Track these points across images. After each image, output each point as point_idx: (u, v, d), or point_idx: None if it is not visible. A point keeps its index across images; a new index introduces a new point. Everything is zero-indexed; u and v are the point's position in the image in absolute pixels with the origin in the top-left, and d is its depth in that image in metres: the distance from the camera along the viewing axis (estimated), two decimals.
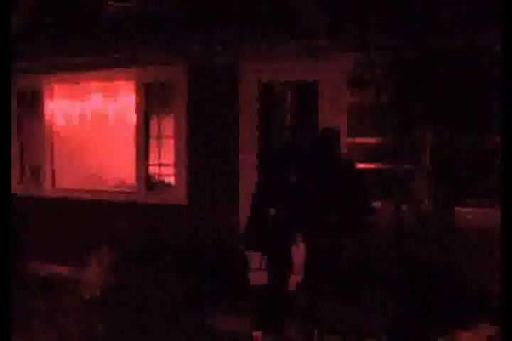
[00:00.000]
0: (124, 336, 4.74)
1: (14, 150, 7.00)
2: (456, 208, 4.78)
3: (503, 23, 2.86)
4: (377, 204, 4.86)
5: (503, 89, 2.93)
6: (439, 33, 4.62)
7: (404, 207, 4.77)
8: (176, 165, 6.01)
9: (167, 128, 6.18)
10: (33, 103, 6.96)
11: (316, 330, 4.35)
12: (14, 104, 6.94)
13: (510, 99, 2.78)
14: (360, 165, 5.12)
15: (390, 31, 4.69)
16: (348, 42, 4.98)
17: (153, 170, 6.35)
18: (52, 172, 6.88)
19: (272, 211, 4.33)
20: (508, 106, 2.79)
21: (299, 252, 4.48)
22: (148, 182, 6.29)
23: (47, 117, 6.80)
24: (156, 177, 6.40)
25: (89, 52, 6.07)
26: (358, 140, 5.17)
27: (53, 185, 6.88)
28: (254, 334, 4.36)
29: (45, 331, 4.85)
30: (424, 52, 4.72)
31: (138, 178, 6.27)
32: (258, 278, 5.59)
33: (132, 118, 6.26)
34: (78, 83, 6.60)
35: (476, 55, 4.64)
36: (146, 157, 6.25)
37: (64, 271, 6.49)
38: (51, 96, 6.77)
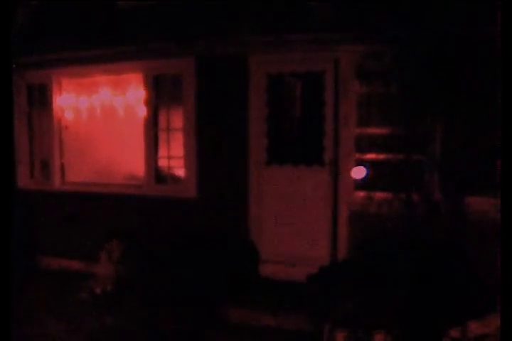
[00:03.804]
0: (136, 329, 4.75)
1: (24, 146, 7.02)
2: (466, 198, 4.74)
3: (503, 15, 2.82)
4: (387, 194, 4.85)
5: (503, 83, 2.88)
6: (448, 22, 4.58)
7: (415, 197, 4.74)
8: (185, 157, 6.00)
9: (176, 120, 6.17)
10: (43, 98, 6.95)
11: (326, 324, 4.32)
12: (24, 99, 6.96)
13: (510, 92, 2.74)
14: (371, 156, 5.12)
15: (399, 20, 4.65)
16: (356, 32, 4.95)
17: (162, 162, 6.34)
18: (62, 166, 6.90)
19: None
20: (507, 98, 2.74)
21: None
22: (158, 174, 6.28)
23: (56, 112, 6.81)
24: (166, 169, 6.39)
25: (98, 45, 6.07)
26: (368, 130, 5.15)
27: (63, 179, 6.90)
28: None
29: (55, 325, 4.88)
30: (434, 41, 4.68)
31: (147, 171, 6.27)
32: (269, 270, 5.60)
33: (141, 111, 6.25)
34: (87, 77, 6.60)
35: (487, 45, 4.60)
36: (155, 149, 6.25)
37: (75, 265, 6.51)
38: (60, 90, 6.78)
